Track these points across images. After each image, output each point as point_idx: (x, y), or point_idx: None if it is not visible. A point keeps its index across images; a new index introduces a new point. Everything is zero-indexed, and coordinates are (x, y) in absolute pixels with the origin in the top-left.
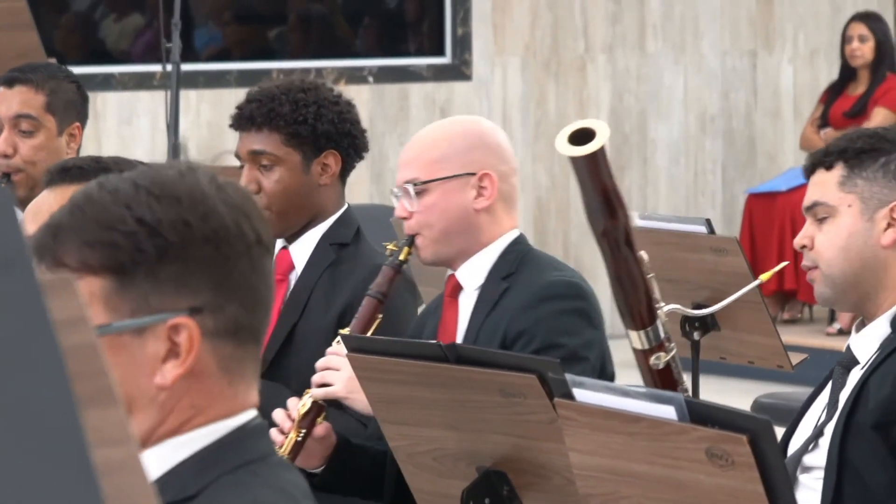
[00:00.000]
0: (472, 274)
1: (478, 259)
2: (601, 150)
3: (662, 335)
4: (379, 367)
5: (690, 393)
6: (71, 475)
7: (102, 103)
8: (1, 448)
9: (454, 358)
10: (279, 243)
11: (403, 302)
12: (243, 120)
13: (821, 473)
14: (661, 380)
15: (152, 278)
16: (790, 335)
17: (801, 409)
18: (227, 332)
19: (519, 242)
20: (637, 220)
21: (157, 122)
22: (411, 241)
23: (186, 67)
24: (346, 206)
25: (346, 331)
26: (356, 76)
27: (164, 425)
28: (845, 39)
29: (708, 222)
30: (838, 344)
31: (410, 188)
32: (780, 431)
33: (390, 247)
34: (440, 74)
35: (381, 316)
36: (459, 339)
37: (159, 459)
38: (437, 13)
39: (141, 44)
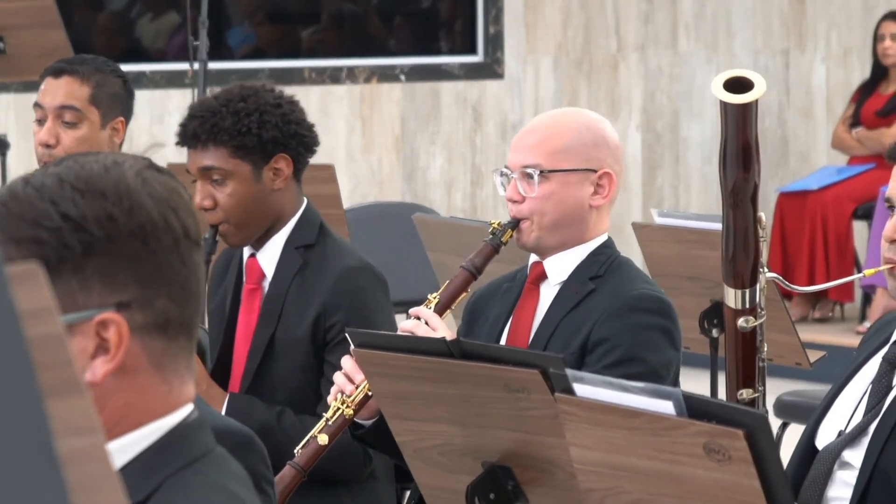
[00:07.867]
0: (561, 267)
1: (570, 254)
2: (755, 103)
3: (757, 300)
4: (385, 363)
5: (709, 390)
6: (35, 465)
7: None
8: None
9: (459, 353)
10: (246, 252)
11: (378, 305)
12: (188, 138)
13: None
14: (744, 344)
15: (79, 274)
16: (821, 334)
17: (825, 401)
18: (157, 326)
19: (609, 246)
20: (656, 218)
21: None
22: (516, 223)
23: (218, 66)
24: (304, 204)
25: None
26: (388, 74)
27: None
28: (877, 38)
29: None
30: None
31: (534, 173)
32: (802, 429)
33: (494, 224)
34: (472, 73)
35: (469, 291)
36: (534, 330)
37: None
38: (469, 12)
39: (175, 42)
